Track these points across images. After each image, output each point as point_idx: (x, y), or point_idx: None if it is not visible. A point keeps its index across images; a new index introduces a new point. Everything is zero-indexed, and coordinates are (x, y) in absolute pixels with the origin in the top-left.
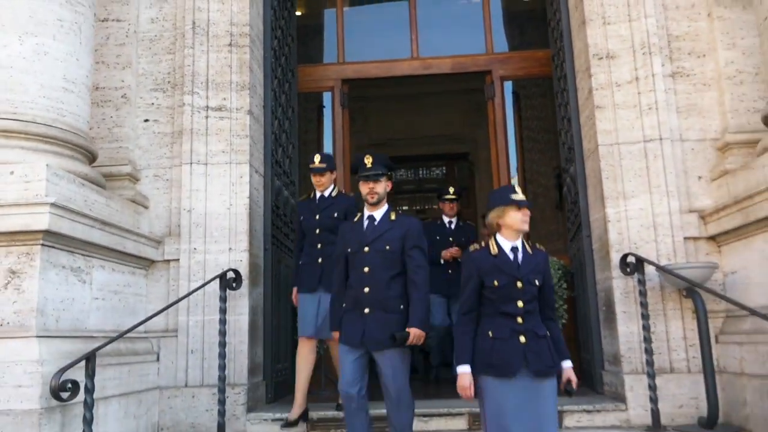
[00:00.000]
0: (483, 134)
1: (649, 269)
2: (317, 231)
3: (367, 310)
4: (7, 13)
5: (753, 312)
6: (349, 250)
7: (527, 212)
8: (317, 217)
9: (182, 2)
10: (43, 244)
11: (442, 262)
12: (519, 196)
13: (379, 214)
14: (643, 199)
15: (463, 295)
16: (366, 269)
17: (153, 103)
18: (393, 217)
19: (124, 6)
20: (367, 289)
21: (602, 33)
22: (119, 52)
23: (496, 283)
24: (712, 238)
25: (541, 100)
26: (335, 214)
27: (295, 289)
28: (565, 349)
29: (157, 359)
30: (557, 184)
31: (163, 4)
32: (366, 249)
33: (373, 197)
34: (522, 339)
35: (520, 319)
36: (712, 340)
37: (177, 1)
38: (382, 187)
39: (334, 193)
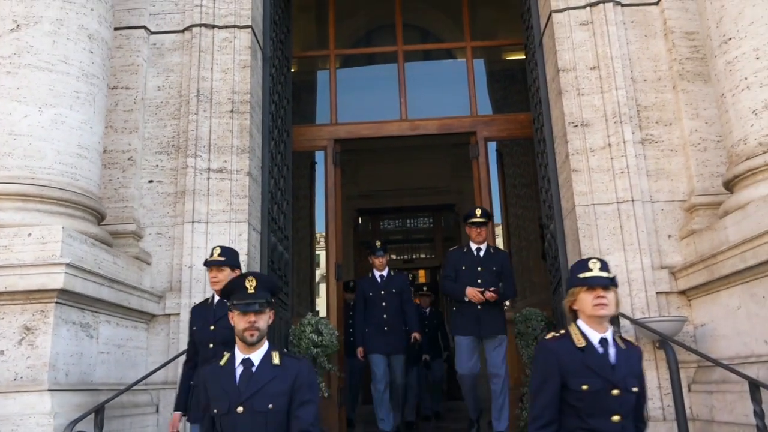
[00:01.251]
0: (468, 186)
1: (625, 322)
2: (211, 346)
3: None
4: (29, 86)
5: (717, 363)
6: (215, 411)
7: (603, 294)
8: (212, 327)
9: (188, 71)
10: (57, 302)
11: (466, 299)
12: (591, 273)
13: (257, 356)
14: (617, 256)
15: (538, 402)
16: None
17: (157, 165)
18: (276, 359)
19: (133, 75)
20: None
21: (577, 103)
22: (127, 118)
23: (585, 387)
24: (682, 292)
25: (523, 158)
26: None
27: None
28: None
29: (156, 411)
30: (541, 234)
31: (170, 74)
32: (240, 409)
33: (252, 335)
34: None
35: None
36: (685, 389)
37: (183, 70)
38: (265, 320)
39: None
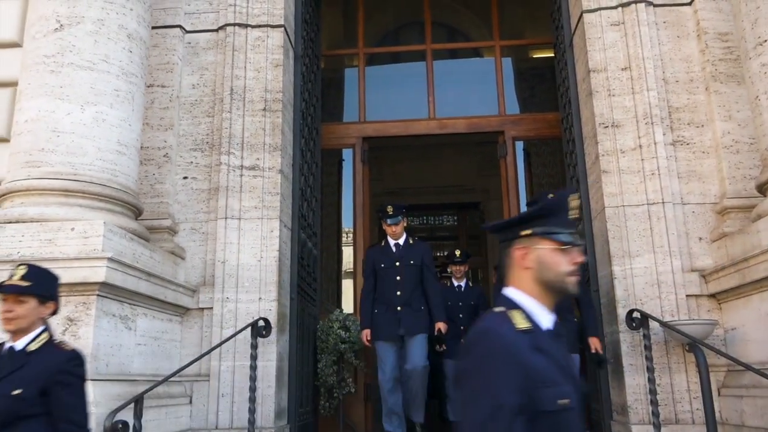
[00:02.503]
0: (494, 184)
1: (654, 324)
2: None
3: None
4: (72, 84)
5: (748, 367)
6: None
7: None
8: None
9: (221, 70)
10: (98, 294)
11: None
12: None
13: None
14: (647, 258)
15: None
16: None
17: (192, 162)
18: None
19: (169, 74)
20: None
21: (608, 104)
22: (163, 115)
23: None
24: (712, 295)
25: (551, 157)
26: None
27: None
28: None
29: (190, 402)
30: None
31: (204, 72)
32: None
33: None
34: None
35: None
36: (715, 393)
37: (216, 69)
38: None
39: None
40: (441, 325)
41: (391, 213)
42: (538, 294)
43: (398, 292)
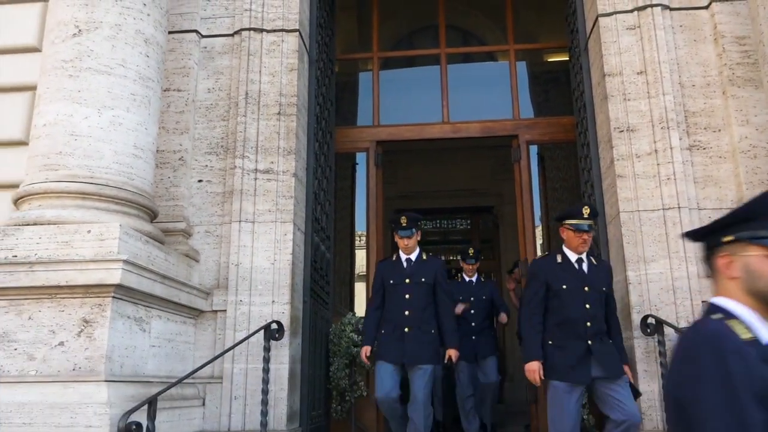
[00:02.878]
0: (508, 188)
1: (669, 331)
2: None
3: None
4: (89, 89)
5: None
6: None
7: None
8: None
9: (236, 74)
10: (113, 296)
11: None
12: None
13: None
14: (662, 263)
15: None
16: None
17: (207, 165)
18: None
19: (185, 78)
20: None
21: (623, 108)
22: (178, 119)
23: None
24: None
25: (565, 162)
26: None
27: None
28: None
29: (203, 404)
30: None
31: (219, 76)
32: None
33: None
34: None
35: None
36: None
37: (232, 73)
38: None
39: None
40: (453, 353)
41: (404, 225)
42: (752, 305)
43: (406, 312)
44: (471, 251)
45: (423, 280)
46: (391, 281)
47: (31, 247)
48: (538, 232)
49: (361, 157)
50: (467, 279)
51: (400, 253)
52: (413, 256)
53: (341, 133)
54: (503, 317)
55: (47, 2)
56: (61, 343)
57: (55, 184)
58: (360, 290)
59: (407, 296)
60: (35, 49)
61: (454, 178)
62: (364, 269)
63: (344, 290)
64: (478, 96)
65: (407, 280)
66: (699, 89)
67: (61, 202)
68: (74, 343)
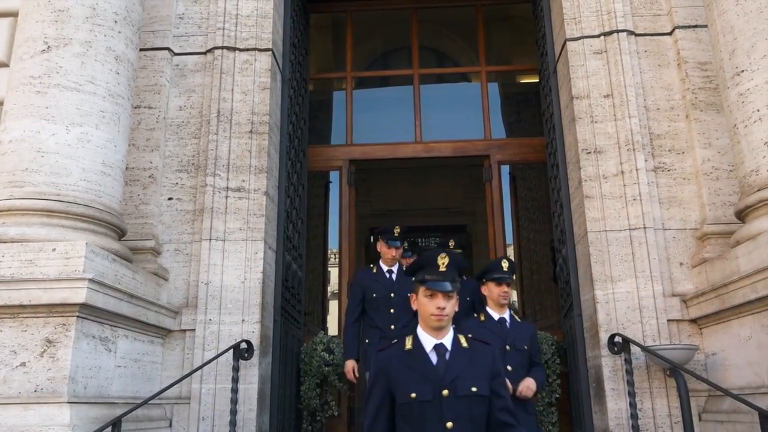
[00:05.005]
0: (481, 207)
1: (635, 349)
2: None
3: None
4: (57, 105)
5: (727, 393)
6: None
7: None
8: None
9: (209, 92)
10: (78, 316)
11: None
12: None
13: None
14: (629, 282)
15: None
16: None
17: (177, 183)
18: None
19: (156, 95)
20: None
21: (590, 130)
22: (149, 136)
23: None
24: (693, 320)
25: (536, 182)
26: None
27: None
28: None
29: (170, 425)
30: (553, 257)
31: (191, 94)
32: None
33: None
34: None
35: None
36: (696, 418)
37: (204, 91)
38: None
39: None
40: None
41: (397, 235)
42: None
43: (392, 326)
44: (452, 243)
45: (409, 295)
46: (374, 294)
47: None
48: (510, 251)
49: (334, 176)
50: None
51: (381, 264)
52: (395, 268)
53: (315, 152)
54: None
55: (17, 18)
56: (23, 364)
57: (20, 201)
58: (334, 308)
59: (392, 311)
60: (3, 65)
61: (428, 196)
62: (337, 287)
63: (317, 308)
64: (450, 116)
65: (392, 294)
66: (663, 112)
67: (26, 219)
68: (36, 364)
